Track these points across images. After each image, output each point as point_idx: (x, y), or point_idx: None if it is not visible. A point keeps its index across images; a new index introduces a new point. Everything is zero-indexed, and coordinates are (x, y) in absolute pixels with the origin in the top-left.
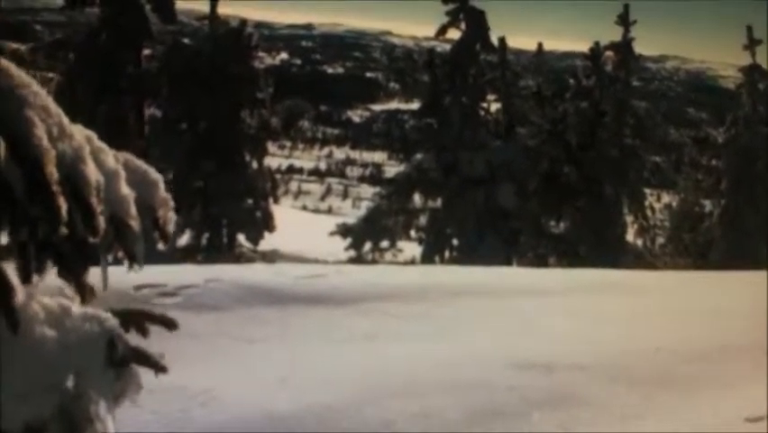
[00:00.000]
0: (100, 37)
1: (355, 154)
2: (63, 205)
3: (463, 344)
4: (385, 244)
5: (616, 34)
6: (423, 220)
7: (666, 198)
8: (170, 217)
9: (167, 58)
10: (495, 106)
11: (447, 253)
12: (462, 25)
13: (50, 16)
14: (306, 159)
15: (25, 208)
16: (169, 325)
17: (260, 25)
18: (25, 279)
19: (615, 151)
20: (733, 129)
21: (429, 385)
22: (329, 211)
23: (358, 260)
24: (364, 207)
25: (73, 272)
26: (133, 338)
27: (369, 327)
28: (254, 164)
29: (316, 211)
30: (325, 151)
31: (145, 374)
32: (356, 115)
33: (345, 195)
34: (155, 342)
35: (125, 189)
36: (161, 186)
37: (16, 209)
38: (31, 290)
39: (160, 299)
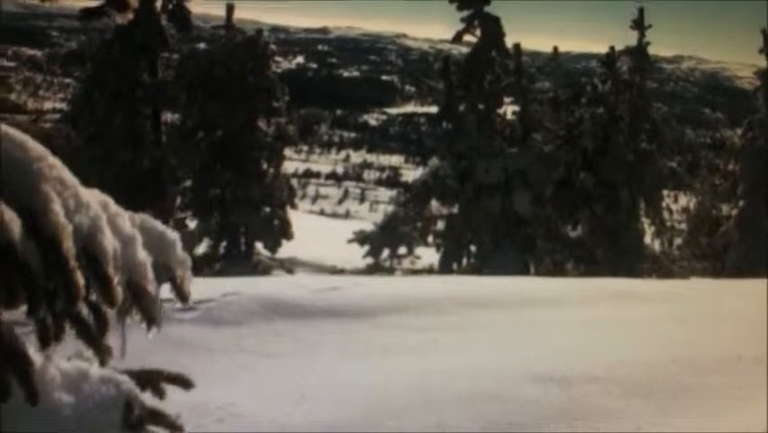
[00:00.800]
0: (116, 47)
1: (372, 158)
2: (81, 280)
3: (480, 356)
4: (403, 250)
5: (631, 37)
6: (440, 226)
7: (683, 200)
8: (188, 277)
9: (183, 67)
10: (511, 108)
11: (465, 260)
12: (477, 32)
13: (66, 22)
14: (323, 163)
15: (43, 284)
16: (186, 384)
17: (275, 29)
18: (43, 345)
19: (631, 156)
20: (749, 133)
21: (446, 399)
22: (347, 215)
23: (376, 267)
24: (381, 210)
25: (92, 337)
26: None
27: (385, 340)
28: (271, 172)
29: (334, 215)
30: (342, 154)
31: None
32: (372, 119)
33: (363, 198)
34: (172, 359)
35: (142, 254)
36: (179, 245)
37: (34, 286)
38: (48, 353)
39: (178, 314)
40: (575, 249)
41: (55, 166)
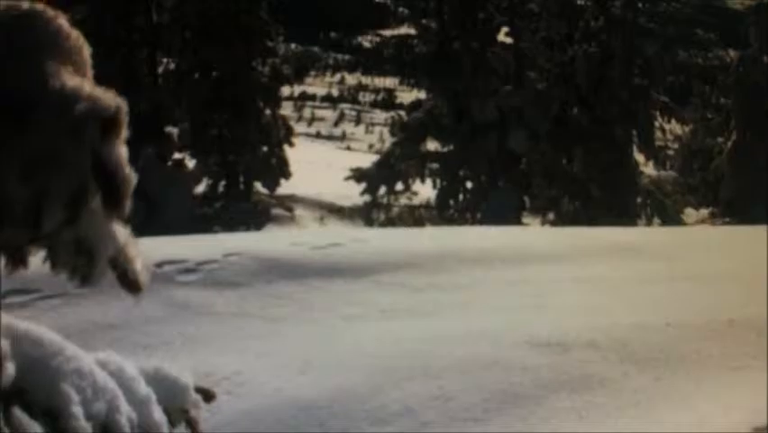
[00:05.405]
0: None
1: (367, 80)
2: None
3: (479, 319)
4: (399, 187)
5: None
6: (436, 164)
7: (676, 126)
8: (200, 418)
9: (178, 9)
10: (503, 30)
11: (461, 197)
12: None
13: None
14: (318, 85)
15: None
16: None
17: None
18: None
19: (624, 92)
20: (741, 67)
21: (445, 367)
22: (343, 137)
23: (373, 204)
24: (377, 132)
25: None
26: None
27: (385, 301)
28: (268, 112)
29: (330, 137)
30: (337, 77)
31: (172, 359)
32: (366, 41)
33: (358, 120)
34: (179, 325)
35: (157, 414)
36: (191, 388)
37: None
38: None
39: (181, 277)
40: (570, 186)
41: (73, 357)
